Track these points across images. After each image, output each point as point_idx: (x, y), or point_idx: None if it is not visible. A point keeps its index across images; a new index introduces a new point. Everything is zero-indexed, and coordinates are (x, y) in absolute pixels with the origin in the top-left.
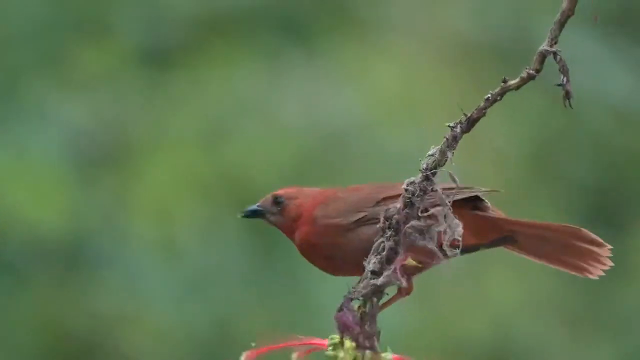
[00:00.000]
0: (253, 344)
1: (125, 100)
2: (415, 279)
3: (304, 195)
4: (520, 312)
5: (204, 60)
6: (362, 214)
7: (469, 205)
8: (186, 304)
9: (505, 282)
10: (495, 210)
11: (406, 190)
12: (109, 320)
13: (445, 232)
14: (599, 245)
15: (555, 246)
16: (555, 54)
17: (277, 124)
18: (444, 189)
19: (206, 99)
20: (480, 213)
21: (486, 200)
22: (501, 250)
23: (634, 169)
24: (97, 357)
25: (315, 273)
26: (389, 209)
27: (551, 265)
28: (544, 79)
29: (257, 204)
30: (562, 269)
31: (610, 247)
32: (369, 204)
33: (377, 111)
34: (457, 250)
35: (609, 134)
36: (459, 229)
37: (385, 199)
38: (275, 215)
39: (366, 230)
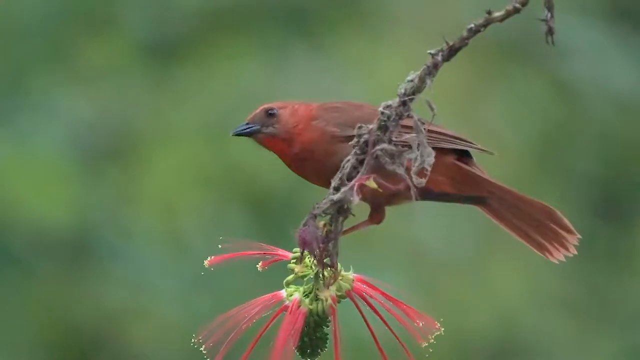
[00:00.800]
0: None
1: (130, 93)
2: (388, 209)
3: (293, 104)
4: (525, 305)
5: (209, 54)
6: None
7: (454, 155)
8: (192, 297)
9: (509, 275)
10: (479, 167)
11: (382, 113)
12: (114, 314)
13: (416, 159)
14: (569, 231)
15: (526, 220)
16: None
17: None
18: (440, 133)
19: (211, 93)
20: (464, 166)
21: (473, 156)
22: (505, 243)
23: (638, 161)
24: (102, 351)
25: None
26: (361, 127)
27: (516, 237)
28: (546, 67)
29: (247, 121)
30: (525, 243)
31: (579, 236)
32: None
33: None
34: (424, 180)
35: (613, 125)
36: (430, 158)
37: None
38: (270, 127)
39: None
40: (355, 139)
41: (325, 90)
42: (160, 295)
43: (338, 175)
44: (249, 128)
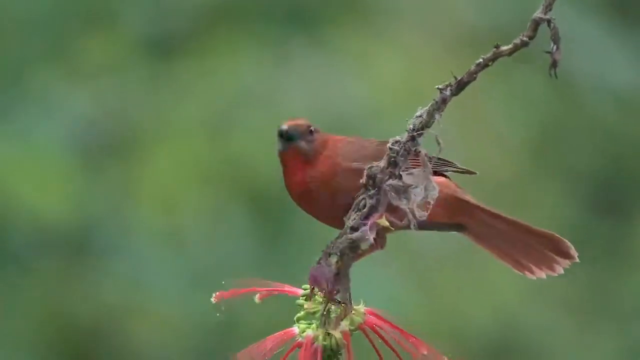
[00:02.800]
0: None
1: (130, 89)
2: (389, 236)
3: (323, 133)
4: (524, 301)
5: (209, 49)
6: None
7: (452, 183)
8: (192, 294)
9: (508, 272)
10: (465, 192)
11: (391, 149)
12: (114, 311)
13: (419, 193)
14: (568, 257)
15: (514, 243)
16: (549, 21)
17: (283, 113)
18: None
19: (211, 88)
20: (460, 195)
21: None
22: None
23: (638, 157)
24: (102, 348)
25: None
26: (372, 166)
27: (495, 257)
28: (545, 62)
29: (287, 127)
30: (503, 262)
31: (577, 260)
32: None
33: (383, 99)
34: (425, 214)
35: (612, 121)
36: (434, 192)
37: None
38: (308, 144)
39: None
40: (367, 179)
41: (325, 86)
42: (159, 292)
43: (354, 215)
44: (294, 135)
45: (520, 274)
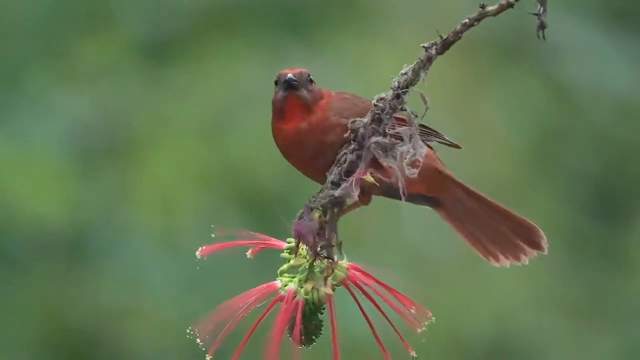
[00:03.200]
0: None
1: (127, 92)
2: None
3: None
4: (520, 304)
5: (206, 52)
6: None
7: (432, 151)
8: (189, 296)
9: (506, 276)
10: (446, 167)
11: (375, 105)
12: (111, 313)
13: (408, 151)
14: (539, 249)
15: (488, 231)
16: None
17: None
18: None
19: (208, 91)
20: (444, 169)
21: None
22: None
23: (636, 161)
24: (98, 350)
25: None
26: (355, 121)
27: (461, 236)
28: (543, 67)
29: (292, 75)
30: (470, 245)
31: (545, 253)
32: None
33: None
34: (416, 171)
35: (609, 125)
36: (423, 150)
37: None
38: (307, 92)
39: None
40: (351, 133)
41: (323, 87)
42: (156, 294)
43: (335, 169)
44: (297, 83)
45: (485, 259)
